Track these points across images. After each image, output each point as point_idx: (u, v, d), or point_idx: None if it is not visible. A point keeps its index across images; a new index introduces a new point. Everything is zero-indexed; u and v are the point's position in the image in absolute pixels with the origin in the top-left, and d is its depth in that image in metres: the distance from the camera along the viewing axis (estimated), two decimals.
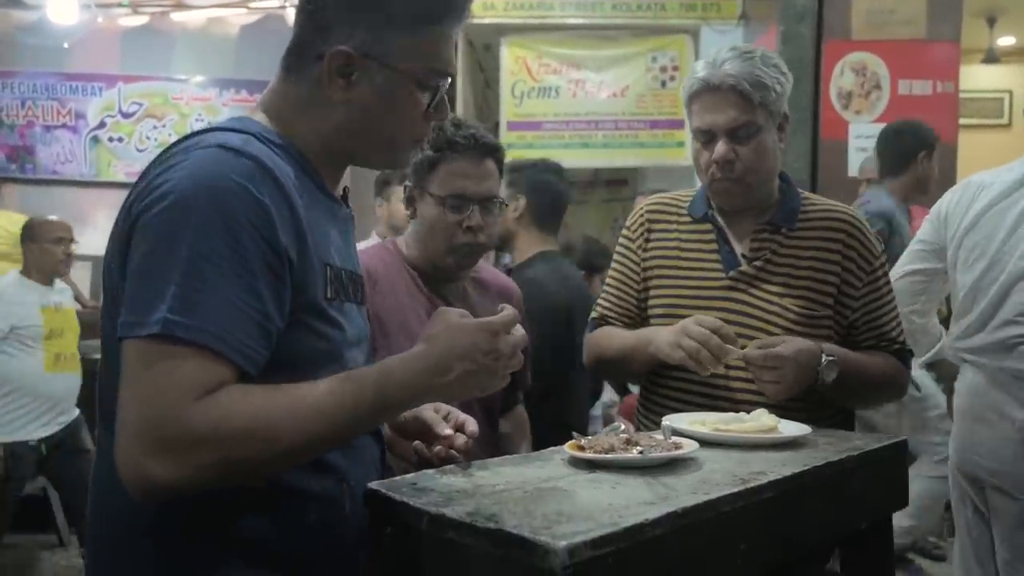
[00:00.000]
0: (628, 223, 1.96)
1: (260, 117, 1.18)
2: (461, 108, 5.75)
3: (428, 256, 1.84)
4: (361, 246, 1.60)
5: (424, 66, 1.17)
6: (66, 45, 6.38)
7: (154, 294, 0.99)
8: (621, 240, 1.95)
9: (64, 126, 6.60)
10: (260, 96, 1.22)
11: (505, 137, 5.49)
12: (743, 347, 1.65)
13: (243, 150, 1.06)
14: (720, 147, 1.73)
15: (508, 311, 1.17)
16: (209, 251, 1.00)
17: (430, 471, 1.22)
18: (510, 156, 5.78)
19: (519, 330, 1.17)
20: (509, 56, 5.40)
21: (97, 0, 6.30)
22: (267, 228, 1.03)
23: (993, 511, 2.16)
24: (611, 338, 1.88)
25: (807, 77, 4.17)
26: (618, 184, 6.81)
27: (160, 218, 1.02)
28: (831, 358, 1.64)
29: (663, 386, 1.83)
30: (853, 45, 4.22)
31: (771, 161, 1.77)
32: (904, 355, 1.85)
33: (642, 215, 1.93)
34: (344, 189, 1.28)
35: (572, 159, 5.58)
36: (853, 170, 4.21)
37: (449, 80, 1.21)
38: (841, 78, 4.22)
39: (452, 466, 1.25)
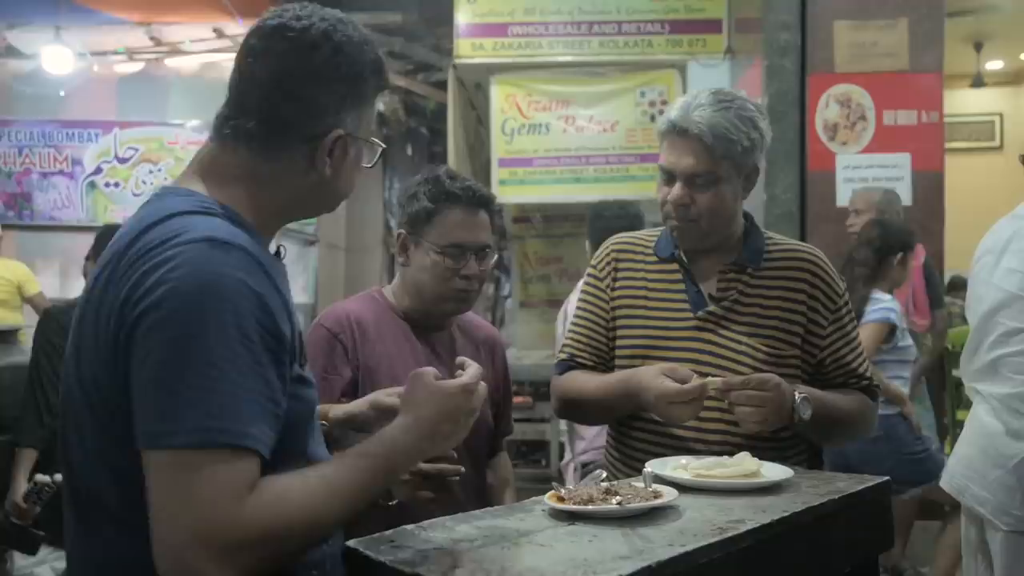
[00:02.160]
0: (594, 262, 1.95)
1: (198, 185, 1.19)
2: (452, 146, 5.80)
3: (422, 302, 1.89)
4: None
5: (371, 128, 1.28)
6: (62, 93, 6.47)
7: (181, 402, 1.00)
8: (588, 280, 1.94)
9: (61, 172, 6.67)
10: (195, 159, 1.23)
11: (497, 174, 5.53)
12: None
13: (232, 242, 1.08)
14: (676, 189, 1.74)
15: (474, 367, 1.23)
16: (226, 351, 1.02)
17: (410, 527, 1.22)
18: (502, 193, 5.81)
19: (483, 385, 1.24)
20: (499, 94, 5.46)
21: (92, 48, 6.39)
22: (268, 318, 1.07)
23: (990, 542, 2.15)
24: (586, 381, 1.84)
25: (792, 110, 4.21)
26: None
27: (170, 323, 1.02)
28: (803, 395, 1.64)
29: (635, 428, 1.82)
30: (837, 78, 4.27)
31: (728, 210, 1.78)
32: (872, 391, 1.86)
33: (608, 254, 1.92)
34: (279, 247, 1.32)
35: (564, 194, 5.63)
36: (842, 200, 4.24)
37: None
38: (826, 110, 4.27)
39: (432, 521, 1.26)
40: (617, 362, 1.84)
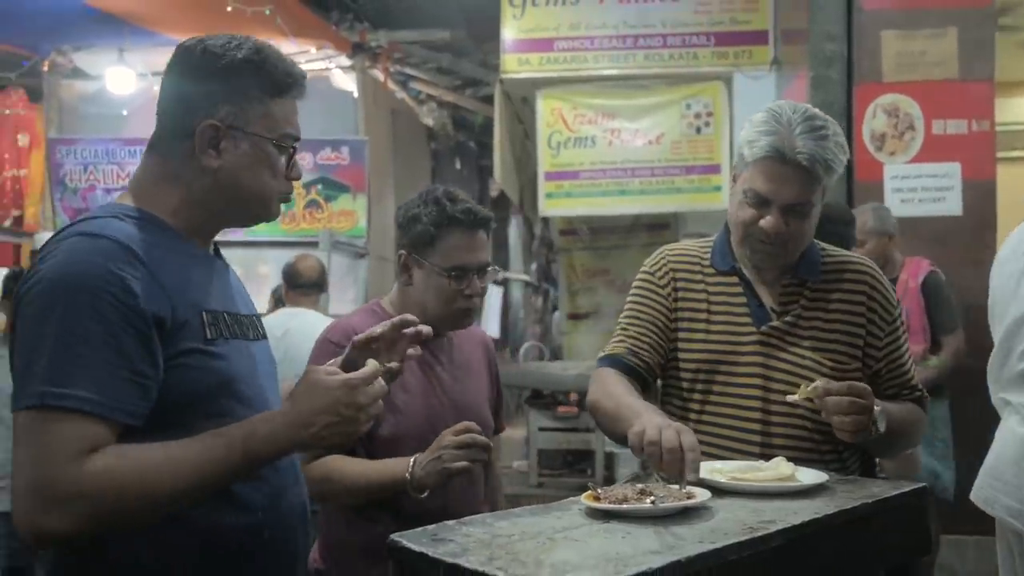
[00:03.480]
0: (650, 268, 1.90)
1: (127, 199, 1.36)
2: (499, 159, 5.88)
3: (426, 319, 1.88)
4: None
5: (278, 132, 1.36)
6: (125, 112, 6.69)
7: (32, 370, 1.17)
8: (643, 282, 1.89)
9: (123, 189, 6.89)
10: (129, 181, 1.39)
11: (543, 187, 5.59)
12: (778, 400, 1.68)
13: (100, 233, 1.23)
14: (773, 219, 1.70)
15: (369, 366, 1.30)
16: (75, 325, 1.17)
17: (451, 522, 1.28)
18: (548, 206, 5.84)
19: (380, 383, 1.29)
20: (545, 108, 5.53)
21: (153, 69, 6.62)
22: (127, 296, 1.20)
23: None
24: (614, 394, 1.73)
25: (839, 120, 4.14)
26: (660, 228, 6.85)
27: (34, 303, 1.20)
28: (879, 408, 1.62)
29: (695, 430, 1.78)
30: (884, 87, 4.24)
31: (811, 234, 1.79)
32: (923, 402, 1.86)
33: (666, 263, 1.88)
34: (214, 245, 1.46)
35: (609, 206, 5.67)
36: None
37: (297, 143, 1.40)
38: (874, 120, 4.24)
39: (472, 517, 1.31)
40: (682, 375, 1.83)
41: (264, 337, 1.49)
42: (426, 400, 1.92)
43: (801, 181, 1.68)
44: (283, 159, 1.37)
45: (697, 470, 1.42)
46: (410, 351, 1.45)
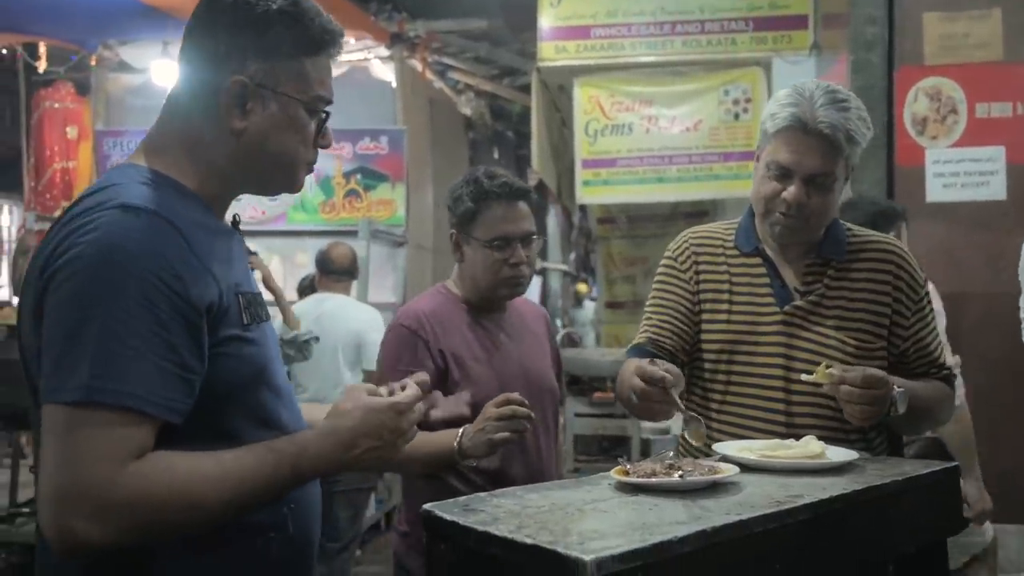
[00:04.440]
0: (672, 253, 1.92)
1: (140, 158, 1.23)
2: (537, 148, 5.89)
3: (480, 292, 2.08)
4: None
5: (310, 93, 1.24)
6: None
7: (74, 360, 1.04)
8: (666, 268, 1.92)
9: None
10: (142, 141, 1.26)
11: (581, 175, 5.60)
12: (800, 380, 1.67)
13: (144, 207, 1.11)
14: (795, 189, 1.71)
15: (411, 390, 1.27)
16: (123, 314, 1.05)
17: (483, 494, 1.31)
18: (586, 194, 5.86)
19: (419, 408, 1.27)
20: (582, 96, 5.52)
21: None
22: (177, 282, 1.09)
23: None
24: (627, 381, 1.64)
25: (880, 104, 4.13)
26: (698, 216, 6.81)
27: (73, 284, 1.06)
28: (900, 389, 1.62)
29: (719, 411, 1.83)
30: (926, 71, 4.17)
31: (835, 209, 1.80)
32: (950, 380, 1.86)
33: (688, 246, 1.90)
34: (234, 216, 1.35)
35: (647, 194, 5.65)
36: (932, 196, 4.14)
37: (330, 107, 1.27)
38: (915, 104, 4.17)
39: (504, 490, 1.35)
40: (705, 357, 1.85)
41: (268, 318, 1.39)
42: (498, 369, 2.03)
43: (823, 151, 1.69)
44: (313, 124, 1.25)
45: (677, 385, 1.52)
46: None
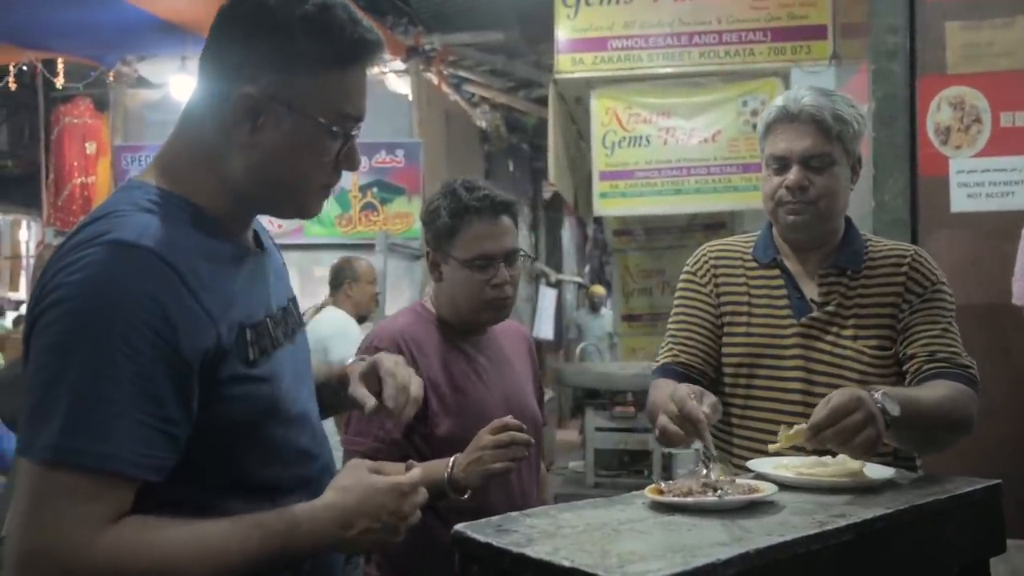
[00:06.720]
0: (691, 267, 1.92)
1: (151, 175, 1.15)
2: (553, 160, 5.88)
3: (460, 315, 1.92)
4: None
5: (334, 112, 1.12)
6: None
7: (47, 413, 0.97)
8: (686, 283, 1.91)
9: None
10: (154, 156, 1.18)
11: (598, 187, 5.57)
12: (820, 392, 1.62)
13: (138, 244, 1.02)
14: (794, 173, 1.73)
15: (416, 471, 1.21)
16: (104, 363, 0.97)
17: (515, 514, 1.28)
18: (603, 206, 5.82)
19: (423, 491, 1.22)
20: (599, 108, 5.50)
21: None
22: (166, 328, 1.00)
23: None
24: (657, 403, 1.65)
25: (902, 114, 4.08)
26: (715, 228, 6.77)
27: (54, 328, 0.99)
28: (880, 391, 1.49)
29: (741, 428, 1.80)
30: (949, 80, 4.12)
31: (843, 195, 1.77)
32: (971, 380, 1.68)
33: (706, 260, 1.89)
34: (254, 232, 1.26)
35: (665, 206, 5.62)
36: (956, 207, 4.09)
37: (360, 125, 1.16)
38: (938, 113, 4.13)
39: (536, 509, 1.32)
40: (724, 370, 1.82)
41: (302, 322, 1.34)
42: (478, 397, 1.89)
43: (812, 133, 1.72)
44: (335, 144, 1.14)
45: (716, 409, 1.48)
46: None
